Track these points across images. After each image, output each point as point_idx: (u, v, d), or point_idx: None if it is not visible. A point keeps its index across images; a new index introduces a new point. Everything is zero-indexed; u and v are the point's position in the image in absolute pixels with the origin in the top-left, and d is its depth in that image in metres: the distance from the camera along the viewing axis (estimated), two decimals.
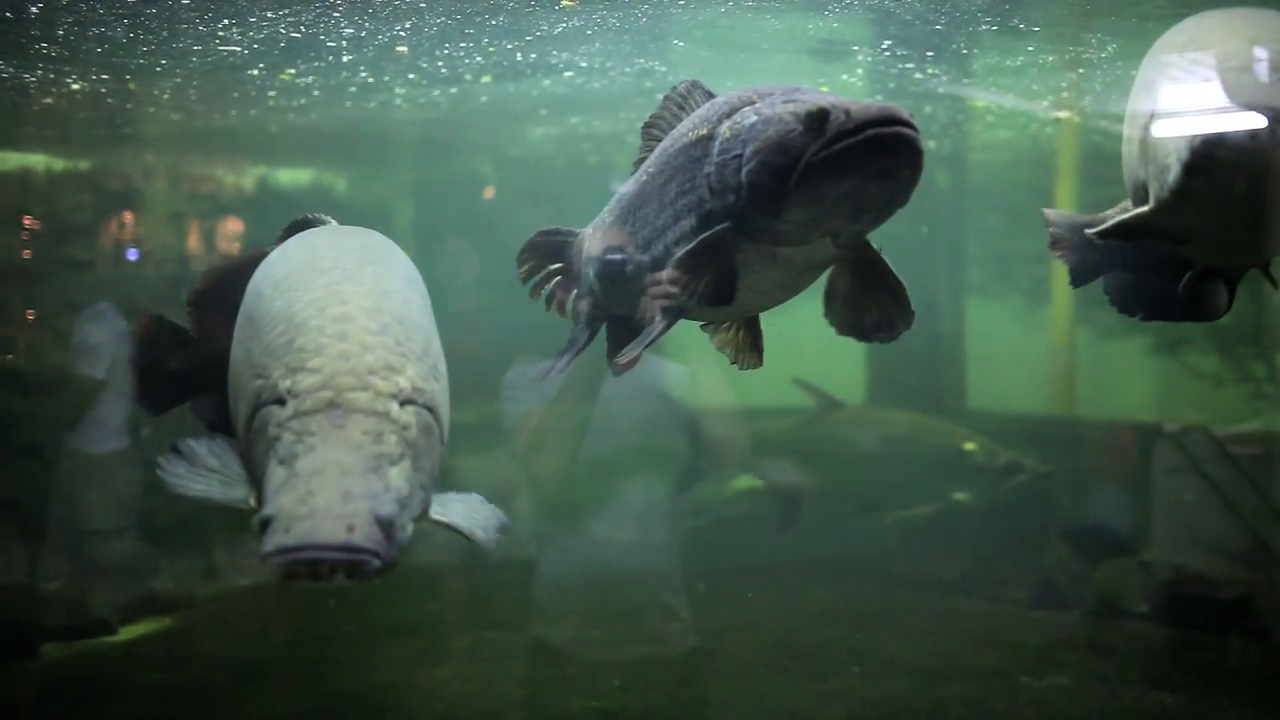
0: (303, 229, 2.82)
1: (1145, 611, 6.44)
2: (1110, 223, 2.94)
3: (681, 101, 2.83)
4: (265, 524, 1.99)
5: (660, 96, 2.90)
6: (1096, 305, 3.52)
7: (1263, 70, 2.58)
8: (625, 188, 2.95)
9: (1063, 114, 7.80)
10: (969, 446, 7.64)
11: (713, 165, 2.51)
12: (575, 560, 4.99)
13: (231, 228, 9.06)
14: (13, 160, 7.97)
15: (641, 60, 6.41)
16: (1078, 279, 3.33)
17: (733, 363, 2.87)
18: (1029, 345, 9.46)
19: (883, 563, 7.52)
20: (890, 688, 5.57)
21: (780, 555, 7.13)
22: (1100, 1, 5.29)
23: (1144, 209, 2.82)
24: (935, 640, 6.23)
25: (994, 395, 9.23)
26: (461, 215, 10.08)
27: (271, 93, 7.02)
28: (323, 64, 6.19)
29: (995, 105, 7.80)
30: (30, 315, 7.35)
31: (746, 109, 2.50)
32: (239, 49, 5.71)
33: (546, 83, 7.01)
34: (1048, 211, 3.35)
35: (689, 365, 4.95)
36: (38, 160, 7.97)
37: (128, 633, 6.33)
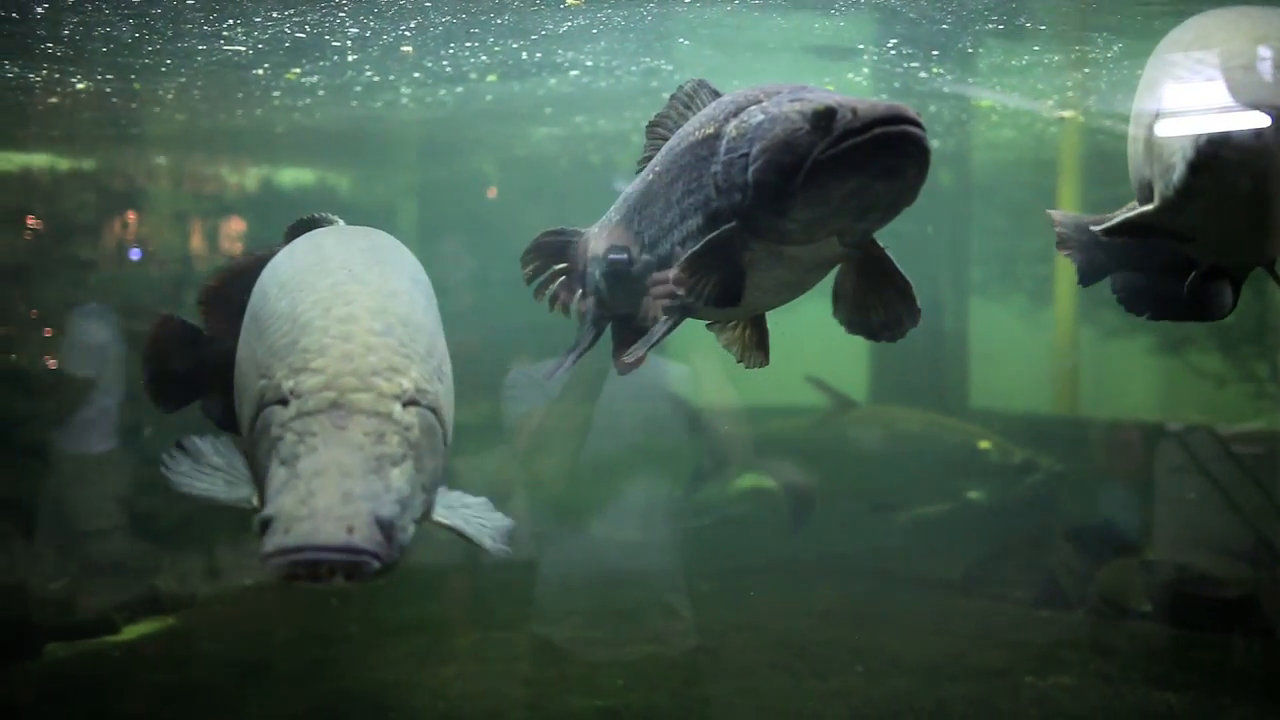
0: (309, 228, 2.82)
1: (1149, 611, 6.42)
2: (1116, 220, 2.94)
3: (688, 100, 2.83)
4: (266, 524, 1.99)
5: (666, 95, 2.90)
6: (1100, 305, 3.53)
7: (1268, 69, 2.58)
8: (631, 187, 2.94)
9: (1067, 113, 7.79)
10: (984, 445, 7.61)
11: (719, 164, 2.50)
12: (578, 560, 5.00)
13: (235, 228, 9.07)
14: (17, 160, 7.96)
15: (647, 59, 6.40)
16: (1086, 278, 3.34)
17: (739, 361, 2.87)
18: (1032, 344, 9.45)
19: (886, 562, 7.50)
20: (893, 687, 5.56)
21: (783, 554, 7.13)
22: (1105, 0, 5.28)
23: (1149, 207, 2.82)
24: (938, 639, 6.21)
25: (997, 394, 9.22)
26: (465, 215, 10.08)
27: (276, 93, 7.02)
28: (328, 64, 6.19)
29: (1000, 104, 7.79)
30: (34, 315, 7.35)
31: (753, 108, 2.50)
32: (244, 49, 5.71)
33: (552, 82, 7.01)
34: (1053, 213, 3.35)
35: (691, 365, 4.95)
36: (42, 160, 7.96)
37: (130, 632, 6.31)
